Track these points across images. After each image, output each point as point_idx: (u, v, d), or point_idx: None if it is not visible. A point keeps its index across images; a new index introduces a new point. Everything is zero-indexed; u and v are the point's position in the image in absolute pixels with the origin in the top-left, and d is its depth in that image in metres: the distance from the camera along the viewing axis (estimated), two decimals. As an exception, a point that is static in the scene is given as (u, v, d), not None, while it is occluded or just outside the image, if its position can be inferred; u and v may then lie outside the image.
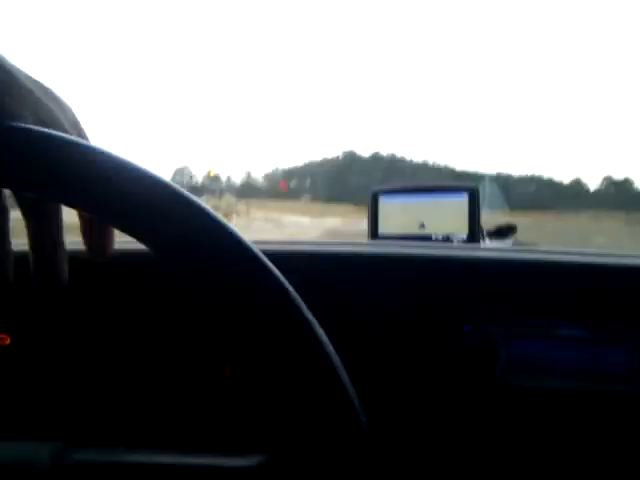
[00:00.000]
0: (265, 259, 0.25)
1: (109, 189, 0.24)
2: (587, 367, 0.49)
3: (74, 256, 0.33)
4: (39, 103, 0.30)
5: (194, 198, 0.25)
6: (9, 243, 0.31)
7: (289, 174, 56.70)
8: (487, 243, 1.43)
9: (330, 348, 0.26)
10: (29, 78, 0.31)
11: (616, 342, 0.49)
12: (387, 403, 0.48)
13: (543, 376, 0.49)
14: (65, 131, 0.31)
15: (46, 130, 0.25)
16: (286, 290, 0.25)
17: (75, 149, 0.25)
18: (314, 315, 0.35)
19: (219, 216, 0.26)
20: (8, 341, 0.48)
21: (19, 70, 0.30)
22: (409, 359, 0.49)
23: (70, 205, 0.26)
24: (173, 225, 0.24)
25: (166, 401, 0.48)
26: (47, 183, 0.24)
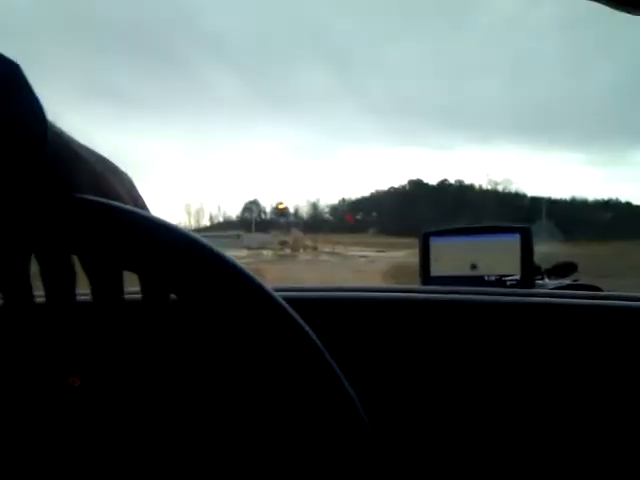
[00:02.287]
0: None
1: (166, 256, 0.27)
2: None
3: None
4: (98, 176, 0.33)
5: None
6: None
7: (355, 206, 56.78)
8: (546, 282, 1.39)
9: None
10: (90, 152, 0.34)
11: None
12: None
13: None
14: (122, 199, 0.34)
15: (105, 201, 0.28)
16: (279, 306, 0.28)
17: (132, 218, 0.28)
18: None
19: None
20: (78, 383, 0.52)
21: (80, 145, 0.33)
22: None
23: (126, 269, 0.29)
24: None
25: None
26: (109, 251, 0.28)
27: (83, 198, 0.28)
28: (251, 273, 0.28)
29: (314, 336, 0.27)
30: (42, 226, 0.28)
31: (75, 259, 0.35)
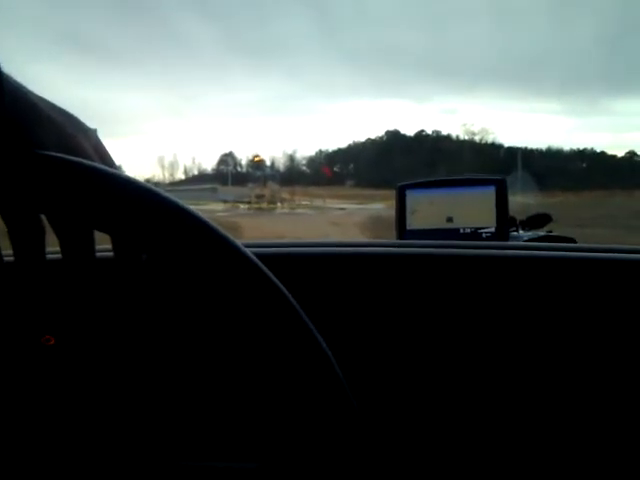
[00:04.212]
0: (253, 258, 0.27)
1: (133, 214, 0.26)
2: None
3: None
4: (62, 131, 0.31)
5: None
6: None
7: (332, 157, 56.27)
8: (520, 233, 1.41)
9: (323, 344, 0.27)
10: (53, 107, 0.32)
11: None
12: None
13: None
14: (88, 157, 0.32)
15: (70, 157, 0.27)
16: (272, 282, 0.27)
17: (95, 174, 0.27)
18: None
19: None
20: (53, 342, 0.52)
21: (42, 99, 0.31)
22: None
23: (94, 228, 0.29)
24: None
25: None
26: (75, 209, 0.27)
27: (46, 154, 0.27)
28: (222, 230, 0.28)
29: (287, 293, 0.27)
30: (2, 183, 0.26)
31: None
